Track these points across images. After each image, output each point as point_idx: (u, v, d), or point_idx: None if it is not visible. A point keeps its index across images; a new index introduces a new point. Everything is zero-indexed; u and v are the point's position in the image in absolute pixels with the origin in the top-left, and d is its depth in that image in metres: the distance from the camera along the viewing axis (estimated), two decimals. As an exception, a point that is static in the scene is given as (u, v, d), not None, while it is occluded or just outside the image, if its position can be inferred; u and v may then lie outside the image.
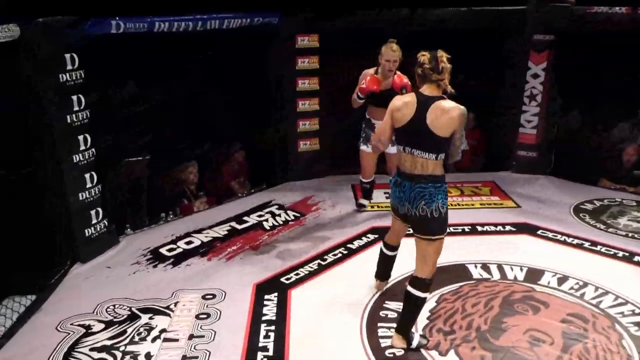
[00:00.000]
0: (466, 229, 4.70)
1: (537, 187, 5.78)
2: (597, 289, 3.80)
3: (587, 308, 3.59)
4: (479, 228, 4.70)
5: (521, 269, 4.05)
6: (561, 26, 5.61)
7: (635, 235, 4.64)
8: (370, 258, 4.25)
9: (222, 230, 4.76)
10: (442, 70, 2.88)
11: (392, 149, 4.20)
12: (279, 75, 5.60)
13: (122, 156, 4.68)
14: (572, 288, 3.82)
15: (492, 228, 4.75)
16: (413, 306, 3.14)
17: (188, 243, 4.55)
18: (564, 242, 4.50)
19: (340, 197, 5.48)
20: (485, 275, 3.98)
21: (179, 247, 4.49)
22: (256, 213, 5.11)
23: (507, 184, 5.76)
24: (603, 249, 4.38)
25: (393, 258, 3.69)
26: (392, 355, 3.17)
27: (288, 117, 5.73)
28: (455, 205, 5.22)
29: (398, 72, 4.42)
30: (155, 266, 4.22)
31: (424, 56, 2.91)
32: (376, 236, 4.60)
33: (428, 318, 3.48)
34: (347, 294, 3.78)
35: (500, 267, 4.07)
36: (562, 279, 3.92)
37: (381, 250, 3.73)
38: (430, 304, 3.62)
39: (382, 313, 3.56)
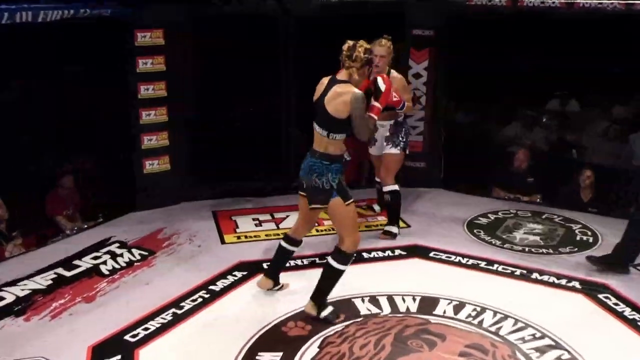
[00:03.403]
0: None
1: (427, 202, 6.06)
2: (495, 313, 4.02)
3: (486, 337, 3.77)
4: (365, 255, 4.79)
5: (414, 299, 4.19)
6: (440, 20, 5.99)
7: (532, 250, 5.00)
8: (238, 300, 4.22)
9: (44, 280, 4.50)
10: (355, 58, 3.68)
11: (372, 150, 5.35)
12: (116, 80, 5.46)
13: None
14: (469, 316, 4.01)
15: (380, 254, 4.90)
16: (329, 277, 3.83)
17: (-3, 300, 4.23)
18: (459, 264, 4.74)
19: (199, 228, 5.39)
20: (375, 309, 4.06)
21: (-16, 306, 4.14)
22: (90, 255, 4.89)
23: (394, 200, 5.97)
24: (500, 268, 4.66)
25: (291, 254, 4.25)
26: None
27: (130, 130, 5.58)
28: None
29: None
30: (-51, 335, 3.82)
31: (347, 44, 3.72)
32: (244, 273, 4.56)
33: (310, 368, 3.48)
34: (210, 348, 3.68)
35: (390, 299, 4.17)
36: (459, 306, 4.10)
37: (280, 245, 4.22)
38: (312, 351, 3.62)
39: (254, 368, 3.50)
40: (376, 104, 3.92)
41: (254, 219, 5.57)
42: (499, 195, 6.23)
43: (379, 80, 3.99)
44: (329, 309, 3.88)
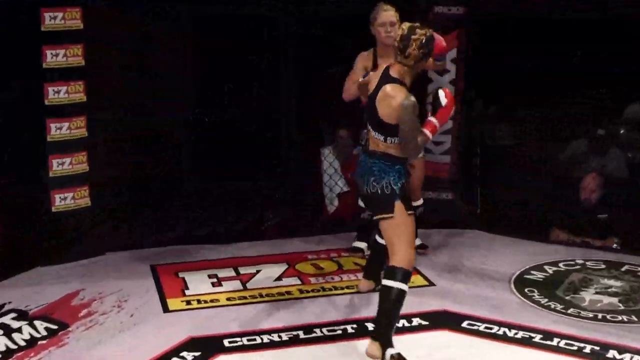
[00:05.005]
0: (349, 329, 4.68)
1: (459, 248, 5.96)
2: (557, 411, 3.96)
3: None
4: (371, 326, 4.59)
5: (441, 389, 4.12)
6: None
7: (608, 317, 4.83)
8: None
9: None
10: (407, 55, 4.00)
11: None
12: (14, 79, 5.53)
13: None
14: (520, 415, 3.92)
15: (392, 323, 4.89)
16: (389, 302, 4.09)
17: None
18: (505, 338, 4.60)
19: (131, 290, 5.28)
20: (384, 405, 4.04)
21: None
22: (-25, 329, 4.77)
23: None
24: (562, 343, 4.50)
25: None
26: None
27: (32, 150, 5.59)
28: (330, 290, 5.26)
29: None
30: None
31: (401, 30, 4.04)
32: (196, 354, 4.38)
33: None
34: None
35: (407, 389, 4.15)
36: (506, 400, 4.00)
37: (375, 241, 4.88)
38: None
39: None
40: (433, 119, 4.20)
41: (210, 276, 5.43)
42: (560, 239, 6.14)
43: (441, 92, 4.29)
44: (394, 350, 4.09)
